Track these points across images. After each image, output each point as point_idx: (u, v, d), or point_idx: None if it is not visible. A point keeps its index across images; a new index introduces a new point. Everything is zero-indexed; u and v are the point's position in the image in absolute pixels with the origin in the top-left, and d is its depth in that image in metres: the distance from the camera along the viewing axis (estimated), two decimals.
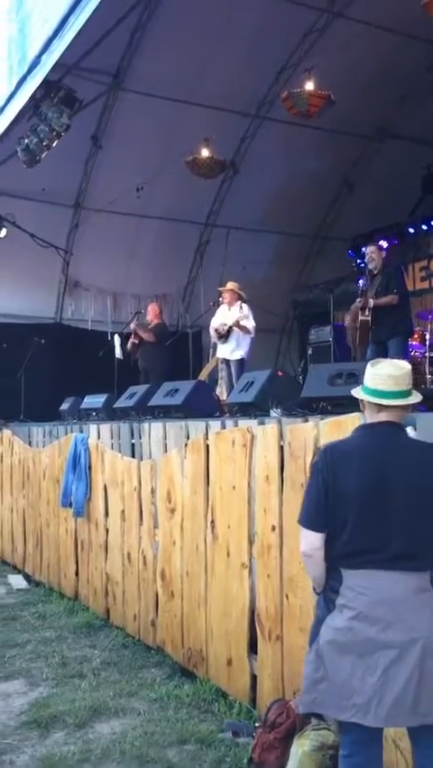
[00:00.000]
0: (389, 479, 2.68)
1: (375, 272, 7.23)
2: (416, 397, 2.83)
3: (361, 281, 7.46)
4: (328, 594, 2.77)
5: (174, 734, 4.02)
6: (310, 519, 2.80)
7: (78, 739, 4.04)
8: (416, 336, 8.49)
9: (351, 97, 10.48)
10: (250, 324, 8.44)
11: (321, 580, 2.81)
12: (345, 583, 2.71)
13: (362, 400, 2.86)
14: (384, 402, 2.77)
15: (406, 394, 2.80)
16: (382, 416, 2.80)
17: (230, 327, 8.43)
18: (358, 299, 7.11)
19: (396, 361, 2.94)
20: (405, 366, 2.87)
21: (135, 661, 5.25)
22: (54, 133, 8.75)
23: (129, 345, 9.73)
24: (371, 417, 2.85)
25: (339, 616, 2.70)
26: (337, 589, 2.72)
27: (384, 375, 2.79)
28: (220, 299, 8.82)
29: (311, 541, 2.78)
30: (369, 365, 2.88)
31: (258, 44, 10.24)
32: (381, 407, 2.79)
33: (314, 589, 2.93)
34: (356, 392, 2.88)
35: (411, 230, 12.34)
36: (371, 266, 7.30)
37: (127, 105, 10.90)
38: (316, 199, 13.11)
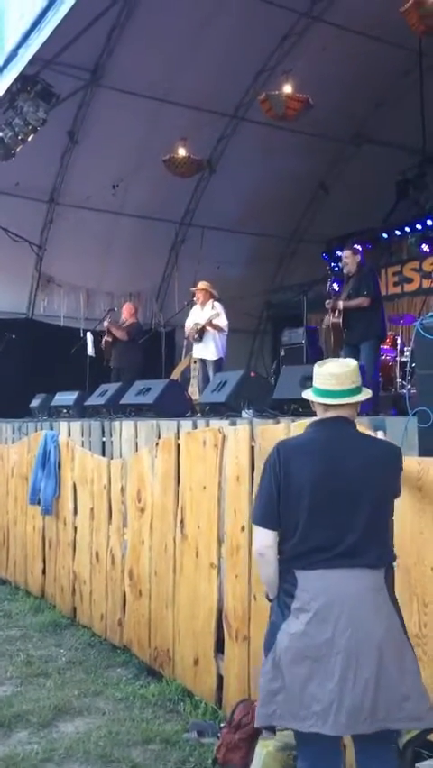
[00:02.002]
0: (340, 473, 2.68)
1: (350, 275, 7.28)
2: (365, 395, 2.85)
3: (335, 284, 7.49)
4: (283, 599, 2.70)
5: (139, 733, 4.01)
6: (263, 516, 2.76)
7: (41, 738, 4.00)
8: (387, 341, 8.56)
9: (328, 101, 10.54)
10: (222, 321, 8.47)
11: (274, 584, 2.75)
12: (300, 586, 2.64)
13: (312, 401, 2.89)
14: (330, 401, 2.80)
15: (353, 392, 2.82)
16: (330, 413, 2.82)
17: (203, 327, 8.44)
18: (327, 301, 7.16)
19: (342, 360, 2.97)
20: (350, 364, 2.88)
21: (101, 660, 5.23)
22: (30, 127, 8.70)
23: (103, 343, 9.69)
24: (319, 416, 2.88)
25: (295, 621, 2.62)
26: (292, 592, 2.65)
27: (328, 374, 2.81)
28: (194, 299, 8.82)
29: (263, 538, 2.74)
30: (316, 366, 2.91)
31: (237, 45, 10.24)
32: (327, 407, 2.82)
33: (267, 595, 2.86)
34: (306, 394, 2.90)
35: (385, 235, 12.44)
36: (345, 270, 7.34)
37: (105, 101, 10.83)
38: (291, 201, 13.15)
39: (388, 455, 2.82)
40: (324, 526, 2.64)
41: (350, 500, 2.65)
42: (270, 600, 2.83)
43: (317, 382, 2.85)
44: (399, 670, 2.56)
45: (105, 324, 9.72)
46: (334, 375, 2.80)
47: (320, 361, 2.94)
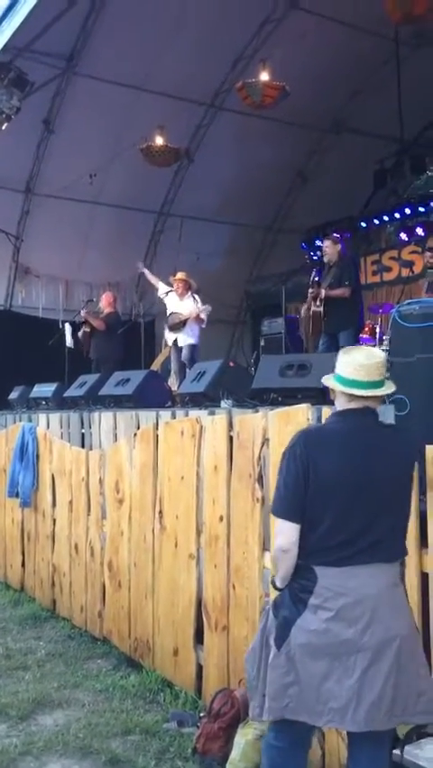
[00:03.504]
0: (365, 468, 2.57)
1: (331, 264, 7.29)
2: (389, 388, 2.70)
3: (317, 277, 7.51)
4: (297, 593, 2.59)
5: (118, 724, 3.99)
6: (289, 509, 2.59)
7: (20, 732, 3.98)
8: (366, 330, 8.58)
9: (306, 89, 10.50)
10: (204, 314, 8.61)
11: (289, 577, 2.64)
12: (319, 582, 2.54)
13: (333, 389, 2.72)
14: (356, 392, 2.63)
15: (379, 384, 2.66)
16: (354, 404, 2.67)
17: (186, 319, 8.56)
18: (311, 290, 7.16)
19: (370, 348, 2.79)
20: (378, 355, 2.71)
21: (81, 652, 5.20)
22: (4, 116, 8.62)
23: (81, 334, 9.61)
24: (341, 406, 2.72)
25: (313, 617, 2.54)
26: (310, 588, 2.55)
27: (357, 364, 2.64)
28: (175, 288, 8.86)
29: (290, 534, 2.58)
30: (341, 353, 2.73)
31: (214, 33, 10.16)
32: (352, 397, 2.66)
33: (273, 583, 2.72)
34: (327, 380, 2.73)
35: (363, 224, 12.44)
36: (326, 259, 7.36)
37: (81, 89, 10.71)
38: (270, 191, 13.11)
39: (410, 449, 2.74)
40: (347, 523, 2.54)
41: (374, 496, 2.56)
42: (277, 589, 2.71)
43: (343, 370, 2.66)
44: (414, 664, 2.55)
45: (82, 313, 9.64)
46: (363, 366, 2.63)
47: (345, 348, 2.77)
